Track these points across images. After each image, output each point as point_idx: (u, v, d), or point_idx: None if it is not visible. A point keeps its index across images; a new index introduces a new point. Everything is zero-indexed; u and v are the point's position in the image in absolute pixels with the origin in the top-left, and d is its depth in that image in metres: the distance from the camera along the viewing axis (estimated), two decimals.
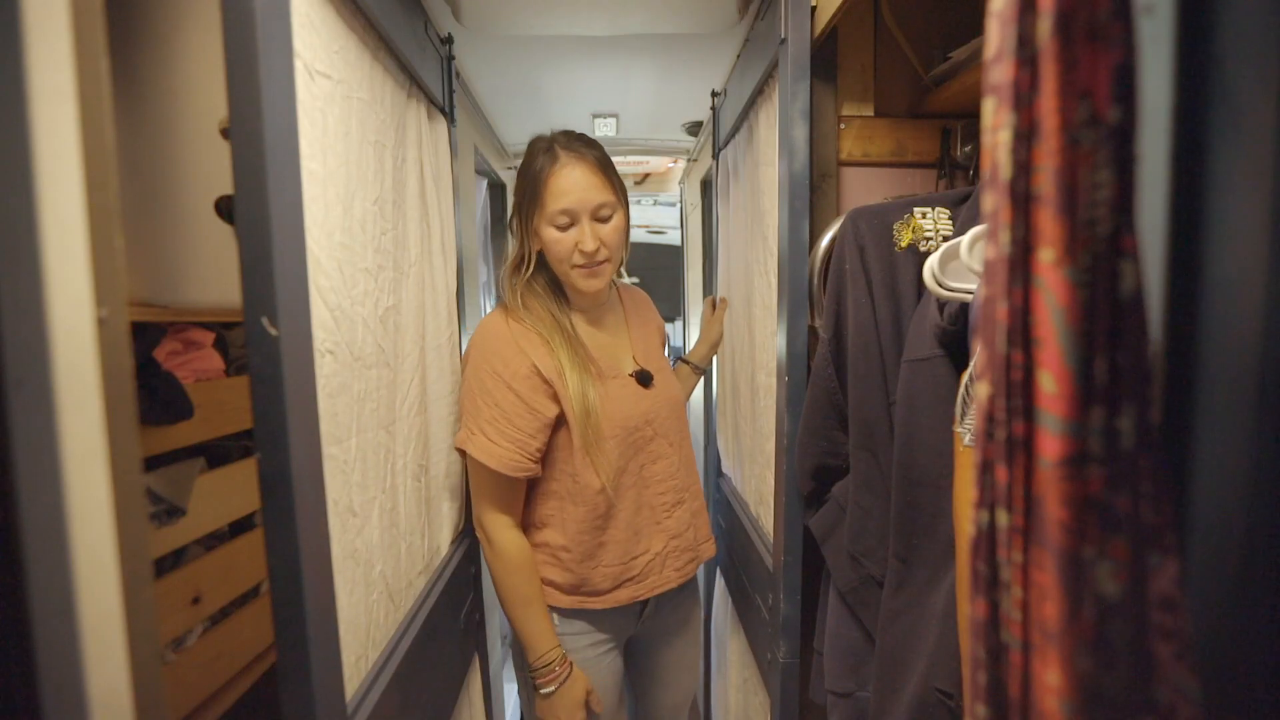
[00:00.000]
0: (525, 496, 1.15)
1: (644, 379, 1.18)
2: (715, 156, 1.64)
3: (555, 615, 1.15)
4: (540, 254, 1.13)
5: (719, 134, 1.59)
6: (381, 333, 0.93)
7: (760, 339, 1.26)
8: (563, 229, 1.08)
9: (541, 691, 1.09)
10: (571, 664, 1.11)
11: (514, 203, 1.15)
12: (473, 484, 1.13)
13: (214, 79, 0.93)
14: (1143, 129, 0.32)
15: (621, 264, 1.21)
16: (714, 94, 1.56)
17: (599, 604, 1.15)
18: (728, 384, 1.65)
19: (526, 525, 1.17)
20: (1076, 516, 0.33)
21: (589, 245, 1.07)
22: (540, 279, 1.15)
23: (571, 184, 1.07)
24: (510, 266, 1.16)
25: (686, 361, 1.51)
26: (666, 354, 1.35)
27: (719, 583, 1.86)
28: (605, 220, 1.10)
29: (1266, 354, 0.34)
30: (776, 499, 1.12)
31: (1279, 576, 0.35)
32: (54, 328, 0.40)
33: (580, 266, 1.09)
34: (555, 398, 1.08)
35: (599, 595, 1.14)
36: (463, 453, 1.11)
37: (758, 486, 1.35)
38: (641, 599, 1.18)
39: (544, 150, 1.11)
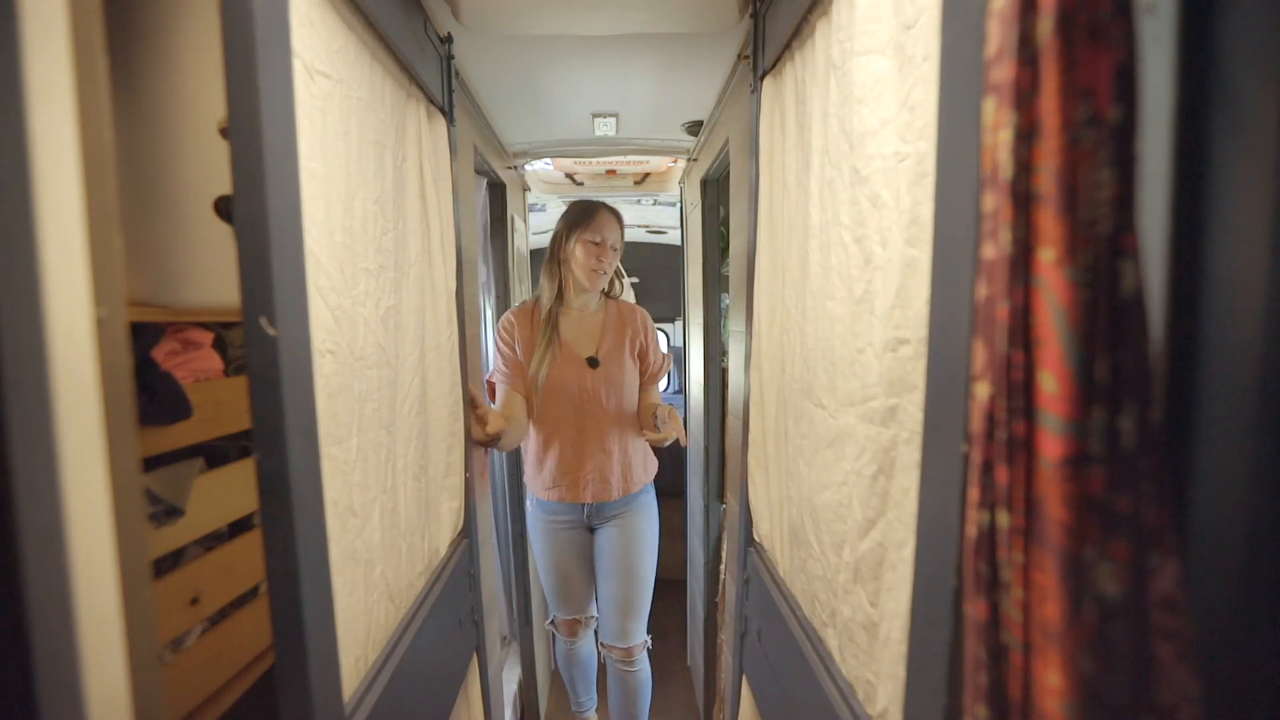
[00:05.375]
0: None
1: (593, 362, 1.76)
2: (754, 90, 1.20)
3: (531, 498, 1.89)
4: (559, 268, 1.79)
5: (763, 54, 1.14)
6: (382, 332, 0.93)
7: (837, 351, 0.79)
8: (596, 244, 1.73)
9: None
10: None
11: (560, 226, 1.77)
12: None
13: (213, 78, 0.93)
14: (1144, 128, 0.32)
15: (613, 284, 1.85)
16: None
17: (548, 496, 1.80)
18: (769, 415, 1.15)
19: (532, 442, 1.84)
20: (1077, 517, 0.33)
21: (607, 259, 1.75)
22: (553, 287, 1.78)
23: (610, 225, 1.76)
24: (547, 259, 1.80)
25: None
26: (665, 351, 1.91)
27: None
28: (616, 249, 1.78)
29: (1268, 354, 0.34)
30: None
31: None
32: (52, 328, 0.39)
33: (594, 270, 1.74)
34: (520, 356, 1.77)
35: (546, 490, 1.80)
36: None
37: (836, 611, 0.82)
38: (581, 502, 1.80)
39: (597, 203, 1.79)
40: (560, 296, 1.77)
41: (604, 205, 1.77)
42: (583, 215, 1.74)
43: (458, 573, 1.26)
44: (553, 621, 1.96)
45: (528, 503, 1.89)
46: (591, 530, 1.87)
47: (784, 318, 1.05)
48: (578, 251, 1.72)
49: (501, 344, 1.77)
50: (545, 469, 1.78)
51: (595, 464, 1.76)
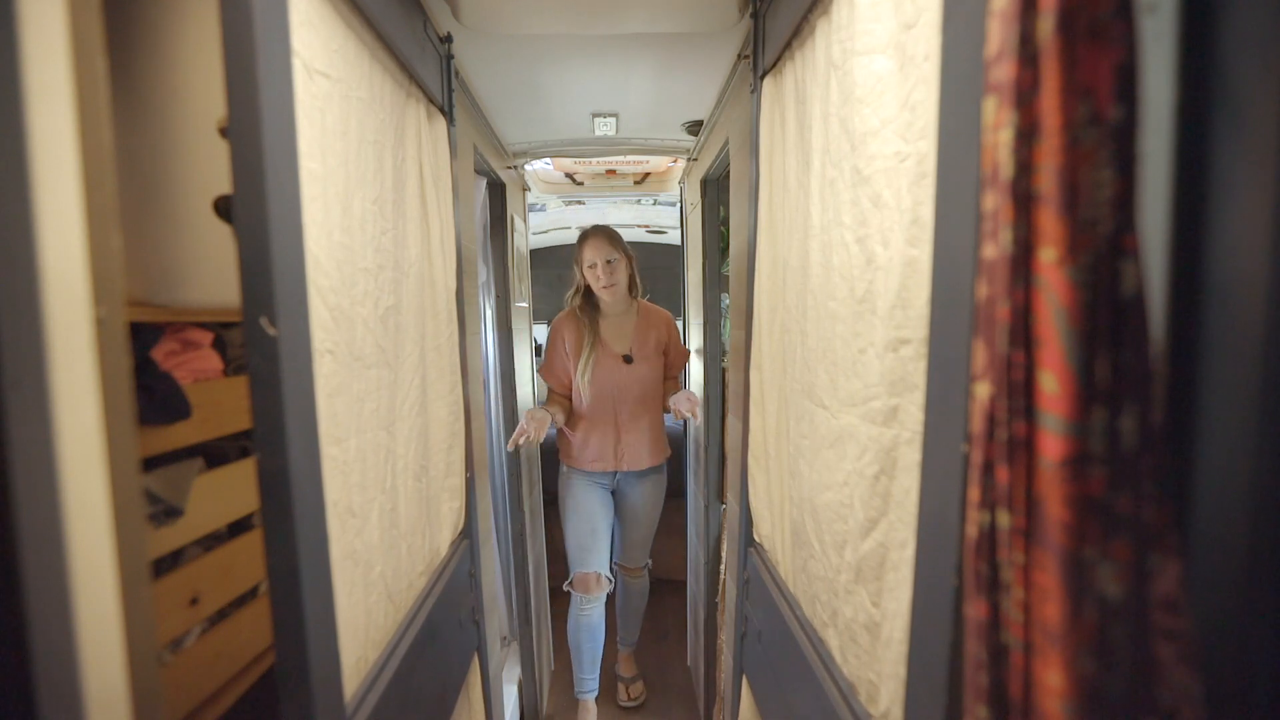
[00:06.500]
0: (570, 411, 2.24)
1: (628, 359, 2.18)
2: (754, 90, 1.19)
3: (567, 467, 2.29)
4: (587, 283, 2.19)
5: (763, 53, 1.14)
6: (381, 332, 0.93)
7: (839, 351, 0.79)
8: (591, 268, 2.12)
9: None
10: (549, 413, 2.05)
11: (574, 259, 2.19)
12: None
13: (213, 78, 0.93)
14: (1145, 128, 0.32)
15: (633, 285, 2.22)
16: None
17: (594, 467, 2.23)
18: (769, 415, 1.16)
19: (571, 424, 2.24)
20: (1078, 517, 0.33)
21: (601, 276, 2.12)
22: (587, 298, 2.20)
23: (595, 246, 2.11)
24: (572, 291, 2.23)
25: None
26: (686, 348, 2.42)
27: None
28: (610, 263, 2.11)
29: (1269, 354, 0.34)
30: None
31: None
32: (51, 327, 0.39)
33: (602, 286, 2.13)
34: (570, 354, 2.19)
35: (592, 462, 2.22)
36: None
37: (838, 612, 0.82)
38: (610, 470, 2.25)
39: (586, 231, 2.16)
40: (597, 307, 2.21)
41: (591, 231, 2.15)
42: (578, 247, 2.17)
43: (458, 573, 1.26)
44: (571, 582, 2.28)
45: (565, 466, 2.30)
46: (613, 492, 2.35)
47: (784, 317, 1.05)
48: (588, 276, 2.15)
49: (552, 344, 2.23)
50: (590, 447, 2.21)
51: (630, 441, 2.20)
